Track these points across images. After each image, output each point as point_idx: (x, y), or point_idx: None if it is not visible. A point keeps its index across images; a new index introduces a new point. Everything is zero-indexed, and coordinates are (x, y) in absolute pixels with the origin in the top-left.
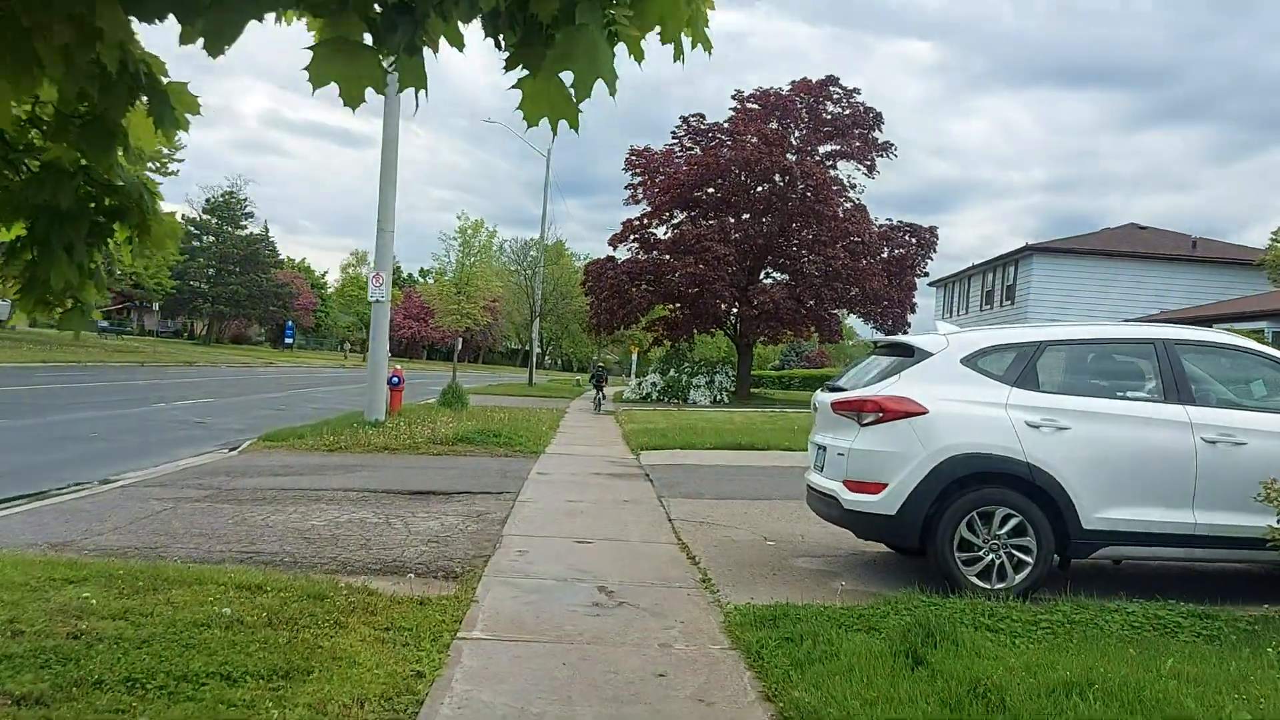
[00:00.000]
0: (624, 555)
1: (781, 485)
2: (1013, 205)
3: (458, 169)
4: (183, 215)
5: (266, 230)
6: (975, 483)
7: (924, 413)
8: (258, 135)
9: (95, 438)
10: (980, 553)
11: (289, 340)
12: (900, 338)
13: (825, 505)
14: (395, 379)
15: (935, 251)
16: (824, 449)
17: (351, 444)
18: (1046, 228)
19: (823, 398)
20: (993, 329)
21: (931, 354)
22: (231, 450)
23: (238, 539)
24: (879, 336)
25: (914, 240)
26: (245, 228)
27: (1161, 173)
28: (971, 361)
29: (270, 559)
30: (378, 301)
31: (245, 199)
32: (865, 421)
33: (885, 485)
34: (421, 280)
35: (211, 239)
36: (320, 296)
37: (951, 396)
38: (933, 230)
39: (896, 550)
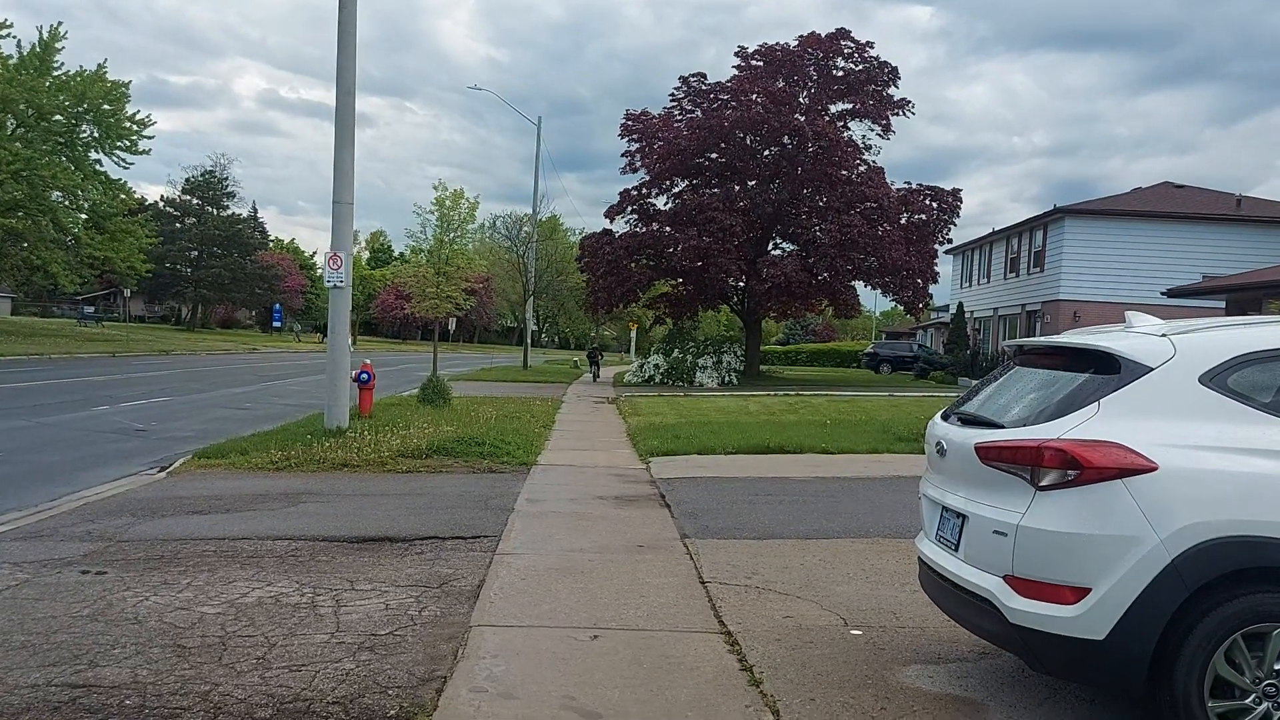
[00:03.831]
0: (646, 666)
1: (836, 510)
2: (1014, 170)
3: (456, 146)
4: (162, 196)
5: (254, 211)
6: (1242, 585)
7: (1151, 469)
8: (255, 116)
9: None
10: (1248, 700)
11: (277, 324)
12: (1088, 339)
13: (966, 608)
14: (364, 375)
15: (958, 216)
16: (963, 518)
17: (303, 460)
18: (1047, 193)
19: (954, 436)
20: (1248, 324)
21: (1149, 367)
22: (162, 470)
23: (75, 653)
24: (1030, 339)
25: (935, 204)
26: (228, 208)
27: (1162, 135)
28: (1220, 379)
29: (100, 704)
30: (335, 287)
31: (227, 179)
32: (1046, 482)
33: (1086, 590)
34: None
35: (193, 220)
36: (310, 278)
37: (1193, 440)
38: (955, 194)
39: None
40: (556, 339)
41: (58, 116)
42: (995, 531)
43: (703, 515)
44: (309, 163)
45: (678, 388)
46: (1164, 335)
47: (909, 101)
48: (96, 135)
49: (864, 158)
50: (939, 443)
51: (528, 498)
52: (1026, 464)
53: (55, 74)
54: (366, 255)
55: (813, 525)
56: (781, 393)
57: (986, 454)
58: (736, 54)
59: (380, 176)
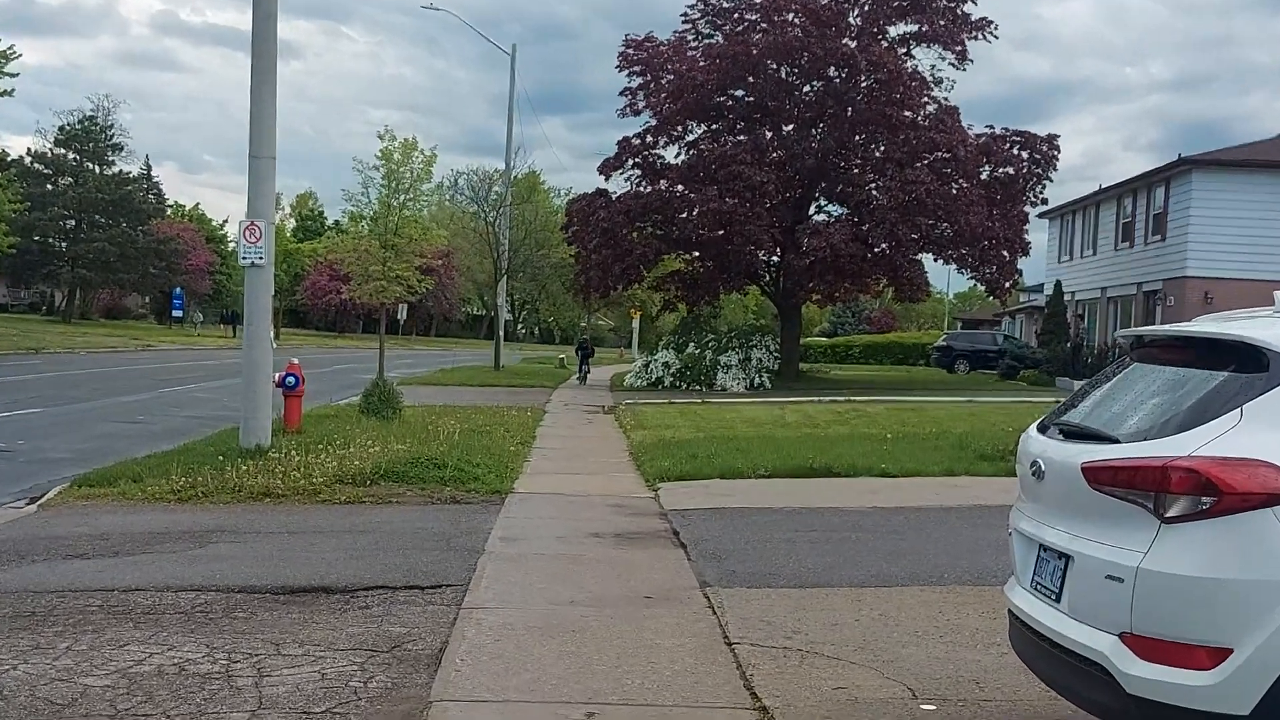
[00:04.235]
0: None
1: (900, 549)
2: (1126, 110)
3: (406, 83)
4: (29, 150)
5: (148, 168)
6: None
7: None
8: (148, 45)
9: None
10: None
11: (178, 313)
12: (1226, 328)
13: (1071, 675)
14: (292, 379)
15: (1055, 169)
16: (1066, 559)
17: (214, 489)
18: (1169, 139)
19: (1055, 453)
20: None
21: None
22: (31, 503)
23: None
24: (1151, 328)
25: (1025, 155)
26: (113, 165)
27: None
28: None
29: None
30: (253, 265)
31: (112, 127)
32: (1174, 513)
33: (1226, 652)
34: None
35: (68, 181)
36: (220, 254)
37: None
38: (1051, 141)
39: None
40: (537, 330)
41: None
42: (1108, 576)
43: (728, 557)
44: (218, 105)
45: (693, 392)
46: None
47: (990, 22)
48: None
49: (933, 94)
50: (1035, 462)
51: (502, 535)
52: (1149, 489)
53: None
54: (293, 224)
55: (870, 569)
56: (828, 398)
57: (1097, 476)
58: None
59: (310, 123)
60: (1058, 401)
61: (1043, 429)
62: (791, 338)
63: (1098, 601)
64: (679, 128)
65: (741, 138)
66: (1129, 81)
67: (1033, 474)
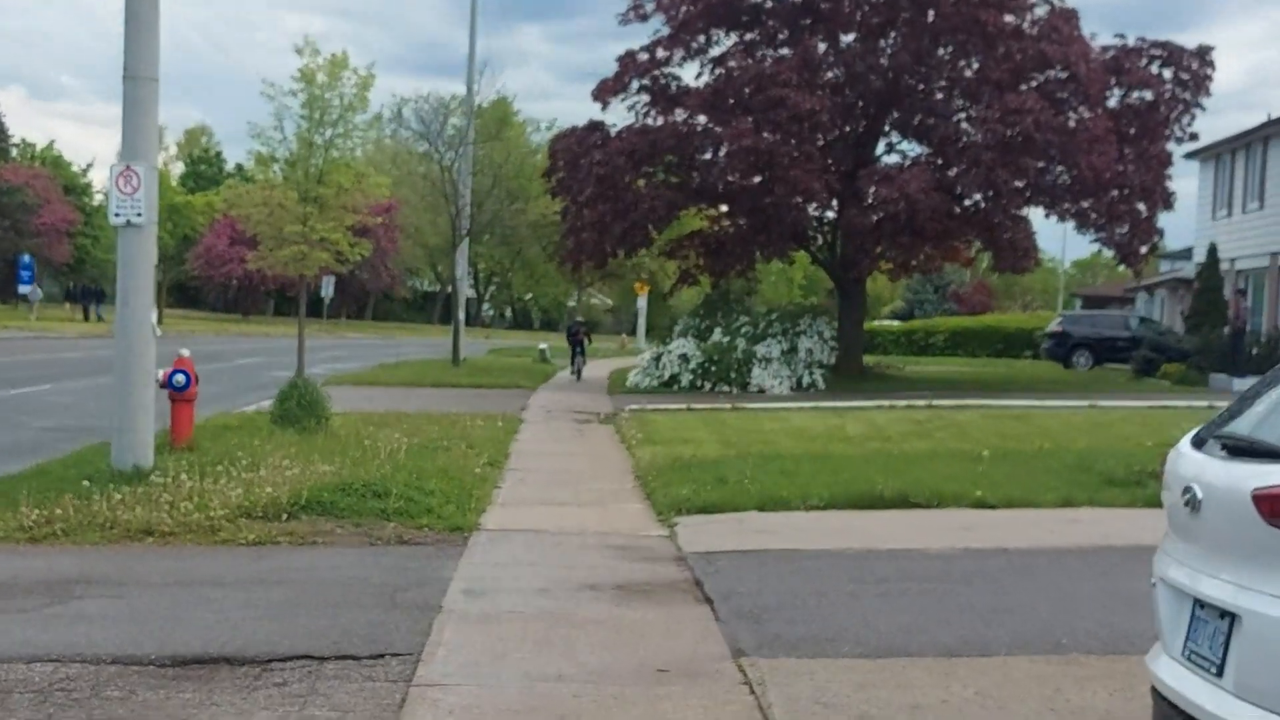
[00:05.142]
0: None
1: (1002, 605)
2: None
3: None
4: None
5: None
6: None
7: None
8: None
9: None
10: None
11: (25, 287)
12: None
13: None
14: (181, 378)
15: (1207, 94)
16: (1231, 619)
17: (79, 525)
18: None
19: (1215, 476)
20: None
21: None
22: None
23: None
24: None
25: (1167, 75)
26: None
27: None
28: None
29: None
30: (129, 224)
31: None
32: None
33: None
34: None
35: None
36: (83, 209)
37: None
38: (1202, 55)
39: None
40: (510, 312)
41: None
42: None
43: (770, 616)
44: (79, 11)
45: (721, 394)
46: None
47: None
48: None
49: None
50: (1188, 489)
51: (465, 588)
52: None
53: None
54: (181, 169)
55: (962, 632)
56: (903, 402)
57: (1275, 507)
58: None
59: (205, 34)
60: (1214, 407)
61: (1198, 444)
62: (853, 321)
63: (1276, 676)
64: (701, 37)
65: (785, 51)
66: None
67: (1185, 504)
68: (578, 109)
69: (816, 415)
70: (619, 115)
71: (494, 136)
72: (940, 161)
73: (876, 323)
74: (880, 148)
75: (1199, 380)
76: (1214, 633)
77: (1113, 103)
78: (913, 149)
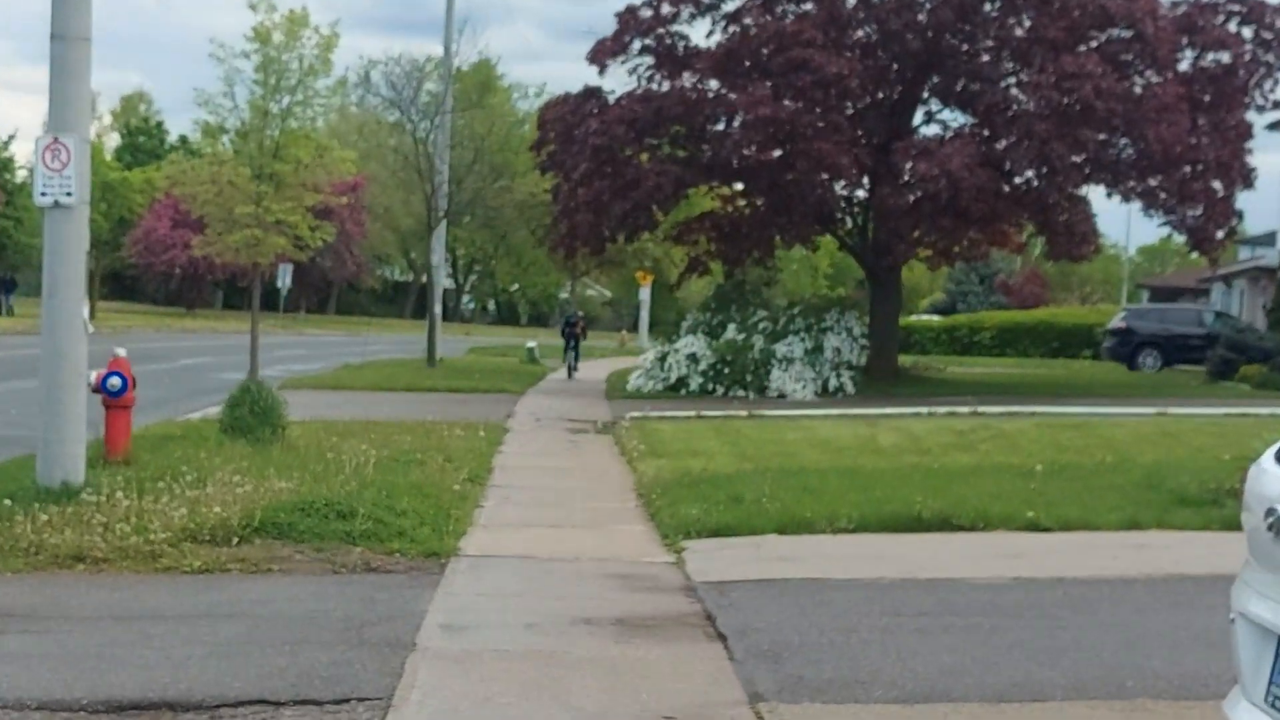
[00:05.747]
0: None
1: (1058, 644)
2: None
3: None
4: None
5: None
6: None
7: None
8: None
9: None
10: None
11: None
12: None
13: None
14: (117, 381)
15: None
16: None
17: None
18: None
19: None
20: None
21: None
22: None
23: None
24: None
25: (1248, 33)
26: None
27: None
28: None
29: None
30: (56, 205)
31: None
32: None
33: None
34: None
35: None
36: (4, 187)
37: None
38: None
39: None
40: (493, 305)
41: None
42: None
43: (792, 655)
44: None
45: (736, 400)
46: None
47: None
48: None
49: None
50: (1272, 509)
51: (443, 622)
52: None
53: None
54: (116, 142)
55: (1013, 674)
56: (944, 409)
57: None
58: None
59: None
60: None
61: None
62: (887, 316)
63: None
64: None
65: (808, 6)
66: None
67: (1269, 528)
68: (571, 72)
69: (845, 424)
70: (619, 80)
71: (475, 104)
72: (987, 133)
73: (914, 318)
74: (918, 117)
75: None
76: None
77: (1184, 66)
78: (955, 119)
